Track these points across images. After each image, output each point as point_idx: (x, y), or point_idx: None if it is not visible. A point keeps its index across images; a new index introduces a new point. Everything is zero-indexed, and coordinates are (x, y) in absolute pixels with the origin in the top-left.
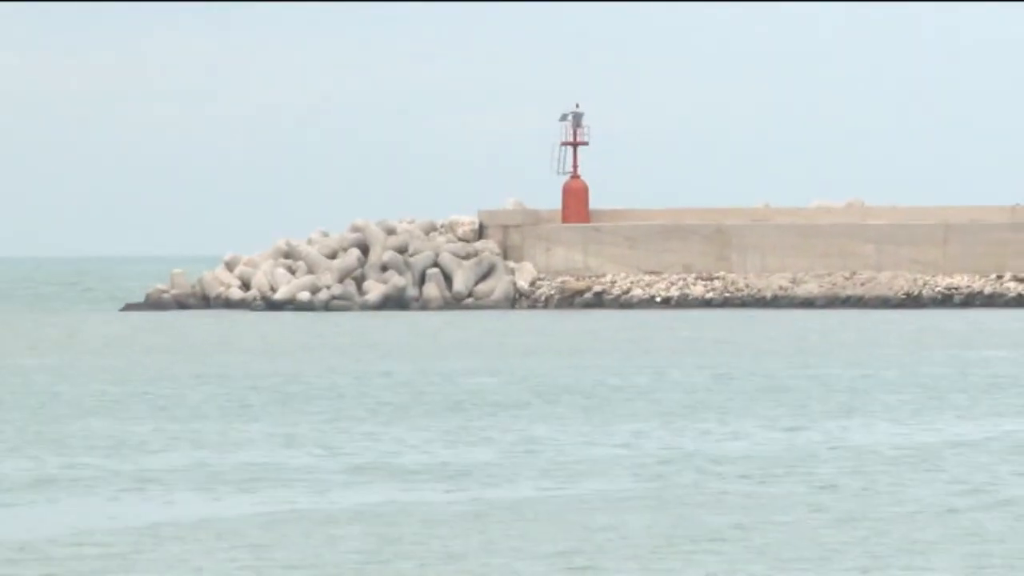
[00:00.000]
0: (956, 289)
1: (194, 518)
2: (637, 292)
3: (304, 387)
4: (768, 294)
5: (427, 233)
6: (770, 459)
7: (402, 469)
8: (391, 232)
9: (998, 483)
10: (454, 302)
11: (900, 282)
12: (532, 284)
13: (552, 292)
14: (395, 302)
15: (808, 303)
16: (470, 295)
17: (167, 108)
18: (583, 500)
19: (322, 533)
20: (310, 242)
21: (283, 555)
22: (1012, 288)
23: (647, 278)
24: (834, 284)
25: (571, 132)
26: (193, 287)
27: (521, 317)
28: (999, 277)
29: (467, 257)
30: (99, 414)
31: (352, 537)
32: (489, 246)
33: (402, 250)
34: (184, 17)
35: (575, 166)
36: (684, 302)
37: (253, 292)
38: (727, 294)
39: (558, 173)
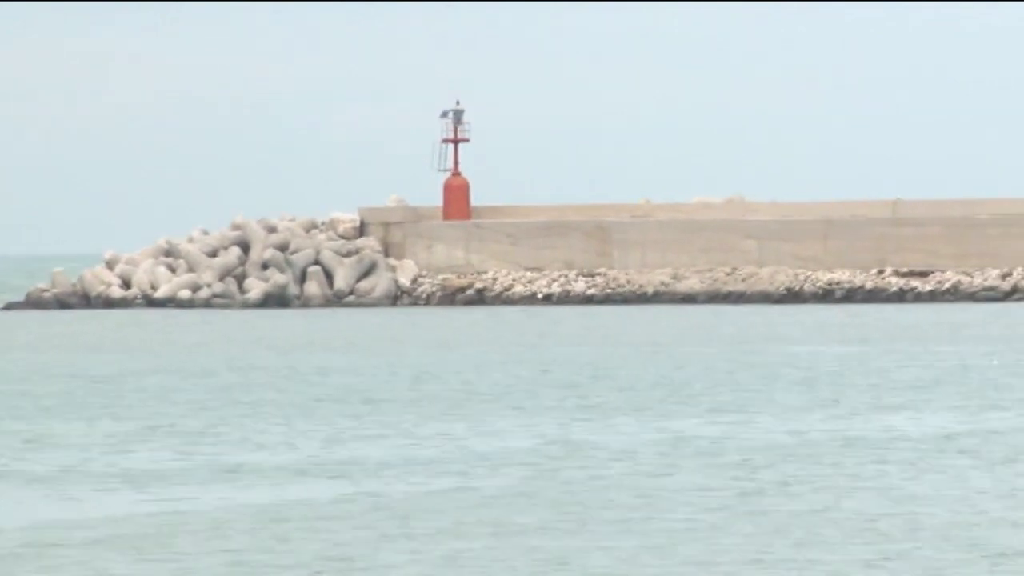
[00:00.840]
0: (837, 284)
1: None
2: (519, 289)
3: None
4: (649, 290)
5: (308, 231)
6: (659, 453)
7: (277, 466)
8: (272, 230)
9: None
10: (335, 300)
11: (781, 278)
12: (414, 281)
13: (434, 289)
14: (276, 300)
15: (690, 299)
16: (351, 293)
17: (44, 105)
18: (471, 494)
19: (205, 533)
20: (190, 240)
21: (163, 556)
22: (893, 283)
23: (529, 275)
24: (715, 280)
25: (452, 129)
26: (74, 286)
27: (402, 314)
28: (880, 272)
29: (348, 255)
30: None
31: (236, 535)
32: (370, 243)
33: (283, 248)
34: (56, 15)
35: (456, 163)
36: (566, 299)
37: (134, 291)
38: (608, 291)
39: (439, 170)
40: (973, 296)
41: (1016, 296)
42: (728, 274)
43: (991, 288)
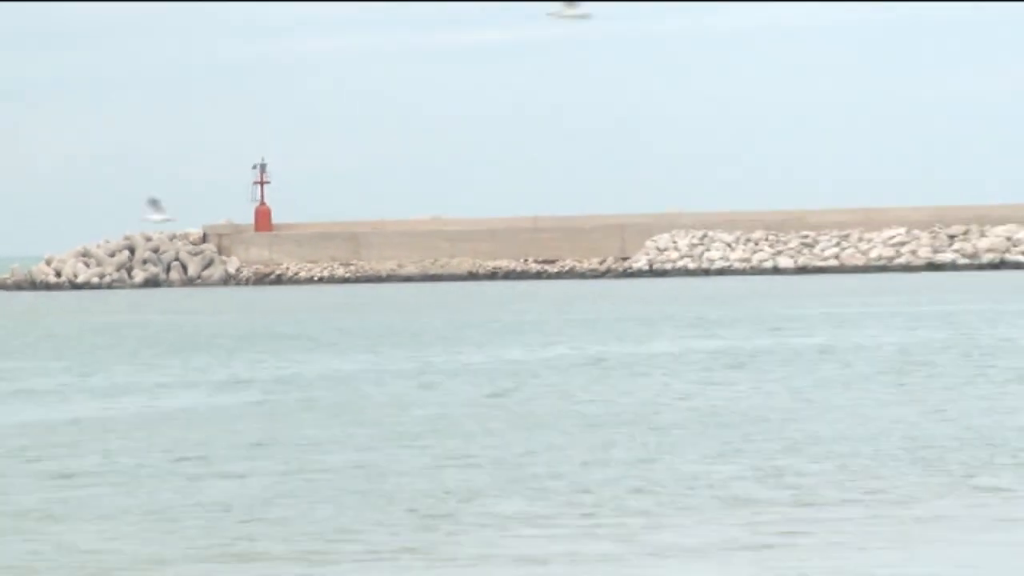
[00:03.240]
0: (499, 268)
1: None
2: (303, 275)
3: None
4: (384, 274)
5: (171, 239)
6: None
7: (138, 388)
8: (148, 239)
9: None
10: (189, 283)
11: (465, 265)
12: (237, 270)
13: (250, 275)
14: (152, 283)
15: (409, 279)
16: (199, 278)
17: None
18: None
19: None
20: (98, 246)
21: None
22: (534, 267)
23: (309, 266)
24: (425, 267)
25: (260, 175)
26: (26, 276)
27: (231, 292)
28: (525, 260)
29: (196, 254)
30: None
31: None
32: (210, 247)
33: (156, 250)
34: None
35: (263, 196)
36: (331, 280)
37: (63, 278)
38: (359, 275)
39: (252, 201)
40: (583, 275)
41: (609, 275)
42: (432, 263)
43: (593, 270)
